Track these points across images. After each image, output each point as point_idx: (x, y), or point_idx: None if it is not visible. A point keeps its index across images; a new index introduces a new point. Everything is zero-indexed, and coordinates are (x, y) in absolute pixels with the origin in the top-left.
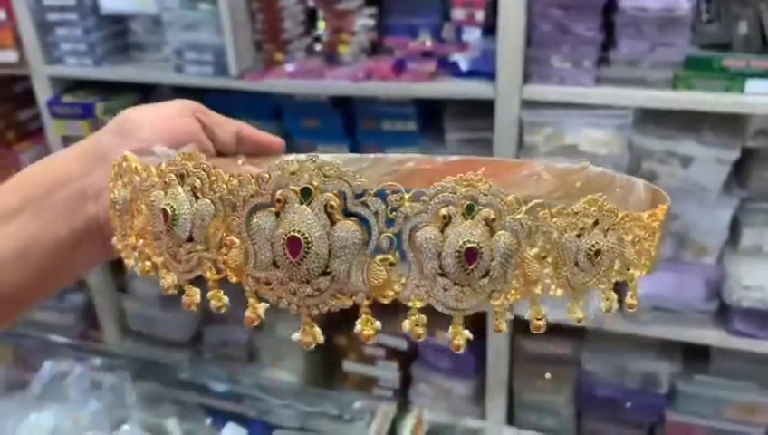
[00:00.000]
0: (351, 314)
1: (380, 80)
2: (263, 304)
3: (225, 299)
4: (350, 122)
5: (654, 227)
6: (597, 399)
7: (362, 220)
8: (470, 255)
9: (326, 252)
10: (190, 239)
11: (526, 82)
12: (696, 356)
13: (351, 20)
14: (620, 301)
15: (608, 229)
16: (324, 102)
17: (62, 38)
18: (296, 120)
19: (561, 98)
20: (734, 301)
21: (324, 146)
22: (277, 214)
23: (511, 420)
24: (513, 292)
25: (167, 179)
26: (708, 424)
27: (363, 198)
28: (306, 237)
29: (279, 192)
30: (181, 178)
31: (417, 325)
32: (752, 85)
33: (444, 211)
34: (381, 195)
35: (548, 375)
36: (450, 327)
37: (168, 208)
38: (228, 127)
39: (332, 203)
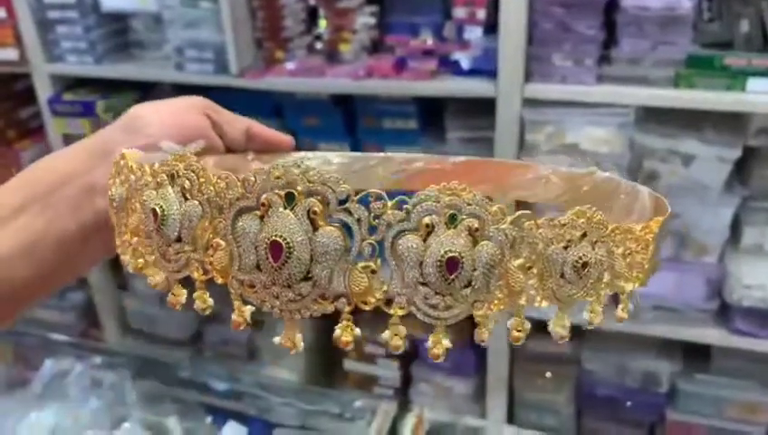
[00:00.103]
0: (352, 312)
1: (381, 78)
2: (249, 307)
3: (210, 301)
4: (350, 121)
5: (647, 240)
6: (597, 398)
7: (345, 227)
8: (451, 264)
9: (308, 257)
10: (179, 240)
11: (527, 80)
12: (696, 355)
13: (352, 18)
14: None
15: (596, 242)
16: (325, 101)
17: (63, 36)
18: (297, 119)
19: (563, 96)
20: (735, 300)
21: (325, 144)
22: (261, 218)
23: (511, 419)
24: (496, 302)
25: (159, 179)
26: (709, 423)
27: (346, 205)
28: (288, 242)
29: (264, 196)
30: (172, 178)
31: (396, 336)
32: (753, 84)
33: (427, 220)
34: (364, 202)
35: (548, 374)
36: (431, 336)
37: (157, 208)
38: (238, 124)
39: (315, 209)
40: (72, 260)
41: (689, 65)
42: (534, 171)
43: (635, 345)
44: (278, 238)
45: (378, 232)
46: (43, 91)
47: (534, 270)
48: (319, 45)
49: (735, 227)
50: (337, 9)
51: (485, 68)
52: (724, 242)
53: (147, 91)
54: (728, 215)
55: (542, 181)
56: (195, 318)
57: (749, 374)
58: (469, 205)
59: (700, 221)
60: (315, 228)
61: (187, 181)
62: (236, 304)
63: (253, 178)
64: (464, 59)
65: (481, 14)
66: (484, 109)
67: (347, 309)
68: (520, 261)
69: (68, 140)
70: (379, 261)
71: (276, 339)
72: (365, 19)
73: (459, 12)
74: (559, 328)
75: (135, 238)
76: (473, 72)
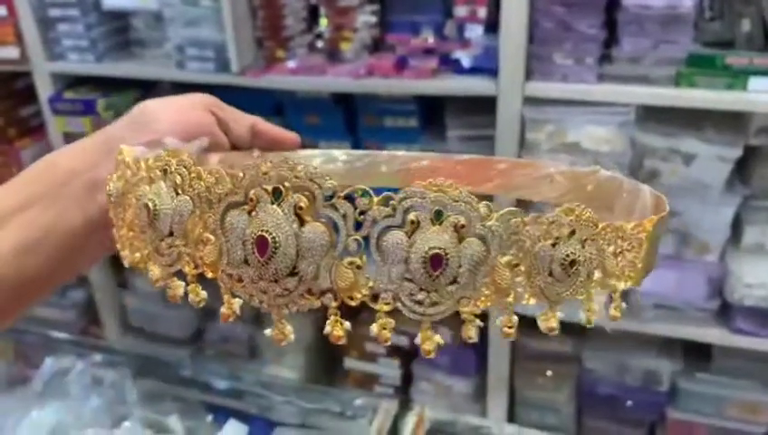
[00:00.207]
0: (352, 312)
1: (382, 77)
2: (237, 299)
3: (203, 294)
4: (351, 119)
5: (640, 239)
6: (598, 396)
7: (332, 222)
8: (435, 260)
9: (294, 252)
10: (170, 234)
11: (528, 79)
12: (697, 354)
13: (353, 17)
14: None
15: (586, 239)
16: (326, 99)
17: (64, 34)
18: (297, 117)
19: (564, 95)
20: (736, 299)
21: (325, 143)
22: (250, 213)
23: (512, 417)
24: (483, 299)
25: (152, 175)
26: (710, 422)
27: (332, 201)
28: (274, 237)
29: (252, 191)
30: (164, 173)
31: (384, 329)
32: (754, 83)
33: (412, 216)
34: (351, 198)
35: (549, 373)
36: (420, 332)
37: (150, 203)
38: (243, 121)
39: (301, 204)
40: (76, 255)
41: (690, 64)
42: (540, 170)
43: (636, 344)
44: (265, 233)
45: (363, 228)
46: (44, 90)
47: (522, 267)
48: (320, 44)
49: (736, 226)
50: (338, 8)
51: (486, 66)
52: (725, 241)
53: (147, 89)
54: (729, 214)
55: (547, 180)
56: (195, 316)
57: (750, 374)
58: (455, 202)
59: (701, 220)
60: (302, 224)
61: (178, 177)
62: (225, 297)
63: (241, 174)
64: (465, 57)
65: (482, 12)
66: (484, 107)
67: (333, 304)
68: (507, 258)
69: (68, 138)
70: (364, 257)
71: (267, 331)
72: (366, 18)
73: (460, 10)
74: (545, 322)
75: (131, 233)
76: (474, 71)
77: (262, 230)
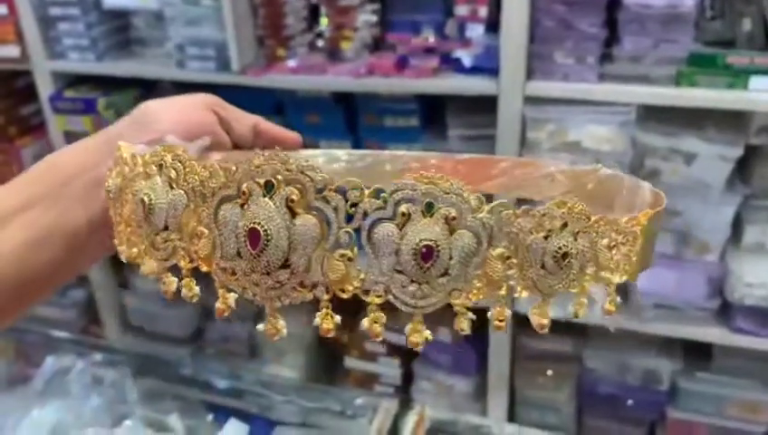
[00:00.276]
0: (352, 312)
1: (383, 76)
2: (232, 294)
3: (197, 289)
4: (352, 118)
5: (634, 232)
6: (598, 396)
7: (323, 215)
8: (426, 252)
9: (286, 245)
10: (166, 228)
11: (529, 78)
12: (697, 353)
13: (354, 16)
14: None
15: (578, 232)
16: (326, 98)
17: (64, 33)
18: (298, 116)
19: (565, 94)
20: (737, 298)
21: (326, 142)
22: (242, 206)
23: (512, 417)
24: (475, 292)
25: (148, 170)
26: (710, 422)
27: (323, 193)
28: (266, 230)
29: (245, 185)
30: (160, 168)
31: (375, 323)
32: (755, 82)
33: (403, 208)
34: (342, 190)
35: (549, 372)
36: (409, 324)
37: (145, 198)
38: (245, 121)
39: (293, 197)
40: (78, 255)
41: (691, 63)
42: (541, 169)
43: (636, 343)
44: (256, 226)
45: (355, 220)
46: (45, 89)
47: (514, 260)
48: (320, 43)
49: (737, 226)
50: (338, 7)
51: (487, 66)
52: (726, 240)
53: (148, 88)
54: (730, 213)
55: (548, 179)
56: (195, 316)
57: (750, 373)
58: (446, 194)
59: (701, 220)
60: (293, 216)
61: (173, 171)
62: (220, 291)
63: (234, 168)
64: (465, 57)
65: (483, 11)
66: (485, 106)
67: (325, 297)
68: (499, 251)
69: (69, 137)
70: (355, 249)
71: (260, 326)
72: (366, 17)
73: (461, 9)
74: (537, 316)
75: (128, 228)
76: (474, 70)
77: (254, 223)
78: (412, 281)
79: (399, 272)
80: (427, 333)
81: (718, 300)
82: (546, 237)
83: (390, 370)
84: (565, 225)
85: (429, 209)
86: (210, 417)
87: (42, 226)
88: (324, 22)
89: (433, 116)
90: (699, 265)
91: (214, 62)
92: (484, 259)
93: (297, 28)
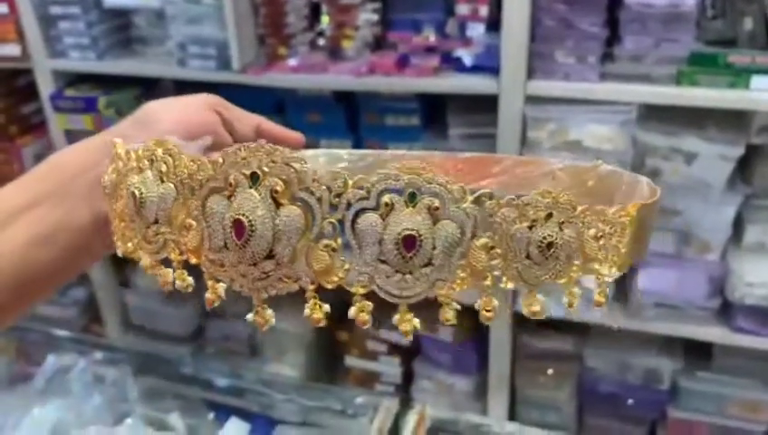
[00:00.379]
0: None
1: (384, 75)
2: (221, 284)
3: (190, 279)
4: (353, 117)
5: (623, 223)
6: (599, 395)
7: (308, 206)
8: (408, 242)
9: (270, 235)
10: (156, 222)
11: (530, 77)
12: (698, 353)
13: (355, 14)
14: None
15: (564, 222)
16: (327, 97)
17: (65, 32)
18: (299, 115)
19: (565, 93)
20: (737, 298)
21: (327, 141)
22: (229, 197)
23: (513, 416)
24: (459, 282)
25: (140, 164)
26: (710, 421)
27: (307, 184)
28: (250, 220)
29: (231, 176)
30: (151, 163)
31: (362, 311)
32: (757, 81)
33: (386, 198)
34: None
35: (550, 371)
36: (397, 315)
37: (136, 191)
38: (248, 121)
39: (277, 188)
40: (82, 253)
41: (692, 63)
42: (543, 166)
43: (637, 342)
44: (241, 217)
45: (338, 211)
46: (45, 87)
47: (498, 250)
48: (321, 42)
49: (738, 225)
50: (339, 5)
51: (488, 65)
52: (727, 240)
53: (149, 87)
54: (731, 213)
55: (549, 176)
56: (196, 314)
57: (751, 372)
58: (429, 184)
59: (702, 219)
60: (278, 207)
61: (163, 165)
62: (209, 282)
63: (221, 160)
64: (466, 56)
65: (483, 10)
66: (486, 106)
67: (310, 287)
68: (482, 241)
69: (70, 135)
70: (339, 239)
71: (249, 316)
72: (367, 15)
73: (462, 9)
74: (527, 306)
75: (122, 223)
76: (475, 69)
77: (239, 214)
78: (396, 271)
79: (383, 262)
80: (416, 322)
81: (719, 299)
82: (531, 227)
83: (391, 369)
84: (550, 215)
85: (412, 199)
86: (211, 415)
87: (48, 223)
88: (325, 20)
89: (434, 115)
90: (700, 264)
91: (215, 60)
92: (467, 249)
93: (298, 27)
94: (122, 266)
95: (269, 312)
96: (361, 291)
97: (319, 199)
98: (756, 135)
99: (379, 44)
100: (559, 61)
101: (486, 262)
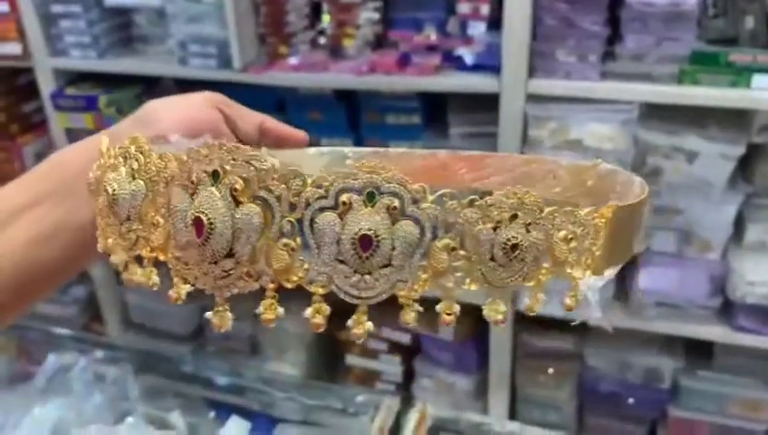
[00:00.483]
0: (352, 309)
1: (384, 73)
2: (186, 285)
3: (156, 279)
4: (354, 116)
5: (596, 225)
6: (600, 394)
7: (267, 204)
8: (365, 242)
9: (229, 234)
10: (128, 218)
11: (531, 76)
12: (699, 352)
13: (356, 13)
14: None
15: (530, 224)
16: (328, 96)
17: (66, 30)
18: (300, 114)
19: (567, 92)
20: (738, 297)
21: (327, 139)
22: (192, 195)
23: (513, 415)
24: (420, 283)
25: (116, 162)
26: (711, 420)
27: (266, 183)
28: (209, 218)
29: (194, 174)
30: (125, 159)
31: (317, 313)
32: (758, 80)
33: (344, 198)
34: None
35: (551, 370)
36: (353, 316)
37: (109, 188)
38: (251, 119)
39: (236, 186)
40: (83, 251)
41: (693, 61)
42: (545, 165)
43: (637, 342)
44: (201, 215)
45: (297, 209)
46: (46, 86)
47: (461, 252)
48: (322, 40)
49: (739, 224)
50: (340, 4)
51: (489, 63)
52: (728, 239)
53: (150, 85)
54: (732, 212)
55: (550, 175)
56: (197, 313)
57: (751, 371)
58: (388, 183)
59: (703, 218)
60: (237, 205)
61: (135, 162)
62: (175, 280)
63: (185, 157)
64: (467, 54)
65: (485, 9)
66: (487, 104)
67: (270, 286)
68: (444, 241)
69: (70, 134)
70: (298, 239)
71: (208, 314)
72: (368, 14)
73: (463, 7)
74: (492, 312)
75: (103, 220)
76: (476, 68)
77: (198, 211)
78: (354, 271)
79: (342, 262)
80: (369, 325)
81: (720, 298)
82: (495, 229)
83: (391, 367)
84: (515, 216)
85: (371, 199)
86: (212, 414)
87: (49, 222)
88: (326, 19)
89: (435, 114)
90: (701, 263)
91: (215, 59)
92: (428, 250)
93: (299, 26)
94: None
95: (228, 314)
96: (321, 291)
97: (278, 198)
98: (757, 134)
99: (380, 43)
100: (560, 59)
101: (448, 263)
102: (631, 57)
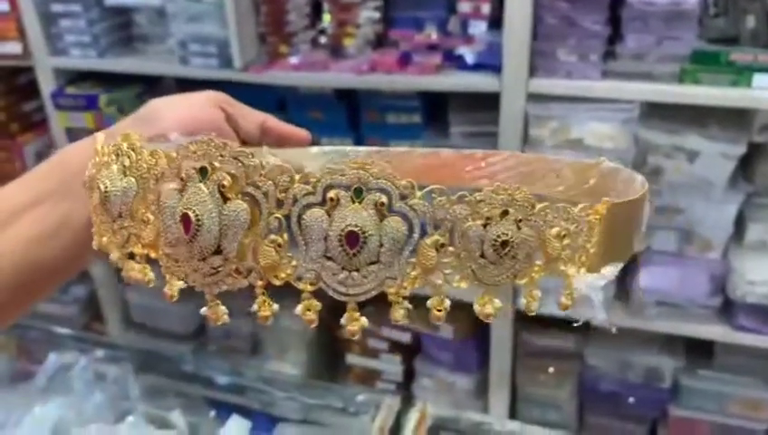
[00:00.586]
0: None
1: (385, 72)
2: (179, 281)
3: (151, 275)
4: (354, 115)
5: (590, 222)
6: (600, 393)
7: (255, 201)
8: (351, 238)
9: (217, 230)
10: (120, 215)
11: (532, 75)
12: (699, 351)
13: (356, 12)
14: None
15: (521, 220)
16: (329, 95)
17: (66, 29)
18: (300, 113)
19: (567, 91)
20: (739, 296)
21: (328, 139)
22: (181, 192)
23: (513, 414)
24: (410, 280)
25: (108, 159)
26: (712, 419)
27: (254, 179)
28: (197, 215)
29: (183, 171)
30: (117, 157)
31: (309, 310)
32: (759, 80)
33: (332, 194)
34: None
35: (551, 369)
36: (345, 313)
37: (101, 186)
38: (252, 118)
39: (224, 182)
40: (85, 250)
41: (694, 61)
42: (549, 164)
43: (638, 341)
44: (188, 211)
45: (285, 206)
46: (46, 85)
47: (450, 248)
48: (323, 40)
49: (739, 224)
50: (341, 3)
51: (490, 63)
52: (728, 238)
53: (150, 85)
54: (732, 211)
55: (553, 174)
56: (197, 312)
57: (752, 371)
58: (376, 179)
59: (704, 217)
60: (225, 202)
61: (126, 159)
62: (167, 277)
63: (175, 154)
64: (468, 54)
65: (485, 8)
66: (488, 103)
67: (259, 283)
68: (433, 238)
69: (71, 133)
70: (285, 235)
71: (203, 310)
72: (369, 13)
73: (464, 6)
74: (480, 306)
75: (98, 218)
76: (477, 67)
77: (186, 208)
78: (342, 268)
79: (329, 259)
80: (363, 321)
81: (720, 298)
82: (485, 225)
83: (392, 367)
84: (506, 212)
85: (358, 195)
86: (212, 413)
87: (51, 221)
88: (327, 18)
89: (435, 113)
90: (702, 262)
91: (216, 58)
92: (416, 247)
93: (299, 25)
94: None
95: (221, 308)
96: (309, 288)
97: (265, 194)
98: (758, 133)
99: (380, 42)
100: (561, 59)
101: (437, 260)
102: (632, 56)
